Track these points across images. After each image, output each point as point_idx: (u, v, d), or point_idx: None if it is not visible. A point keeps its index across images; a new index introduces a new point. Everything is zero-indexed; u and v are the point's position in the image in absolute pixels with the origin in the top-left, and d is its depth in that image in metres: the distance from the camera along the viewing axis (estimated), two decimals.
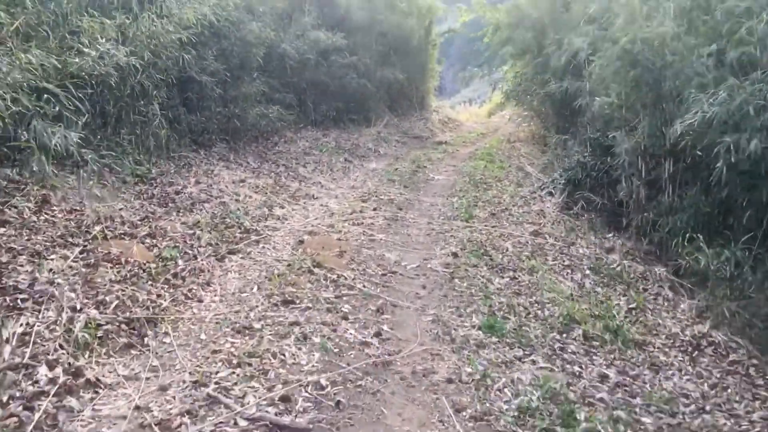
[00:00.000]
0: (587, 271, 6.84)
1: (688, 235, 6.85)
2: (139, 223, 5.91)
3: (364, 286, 5.51)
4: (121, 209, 6.15)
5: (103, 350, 3.90)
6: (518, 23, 14.41)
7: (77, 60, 6.63)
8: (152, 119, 7.99)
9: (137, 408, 3.33)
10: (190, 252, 5.67)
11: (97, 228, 5.39)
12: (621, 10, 7.55)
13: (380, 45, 18.55)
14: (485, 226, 8.14)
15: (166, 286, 4.89)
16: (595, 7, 10.44)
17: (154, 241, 5.62)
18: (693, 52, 6.63)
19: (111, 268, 4.78)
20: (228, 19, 11.05)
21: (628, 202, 8.21)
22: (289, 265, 5.85)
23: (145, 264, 5.07)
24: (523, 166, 12.91)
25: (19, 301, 3.98)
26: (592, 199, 9.18)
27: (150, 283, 4.86)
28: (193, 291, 4.96)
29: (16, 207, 5.20)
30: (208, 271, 5.44)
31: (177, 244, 5.69)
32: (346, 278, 5.63)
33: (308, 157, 12.11)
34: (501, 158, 14.25)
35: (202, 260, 5.56)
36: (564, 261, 7.07)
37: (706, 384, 4.82)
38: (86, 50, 6.80)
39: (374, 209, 8.64)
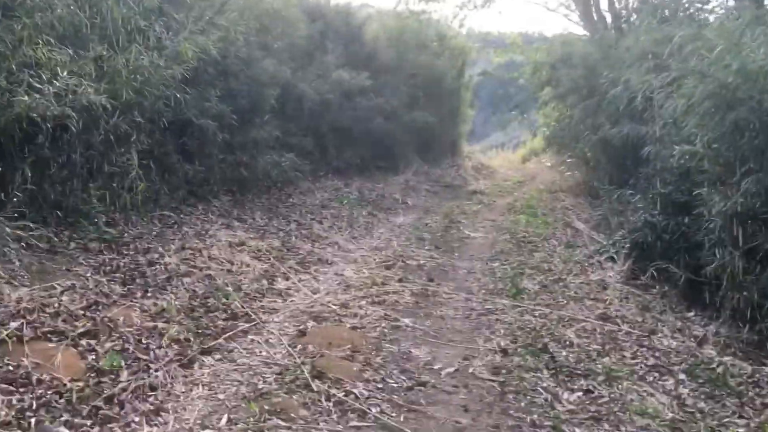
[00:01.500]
0: (681, 375, 5.13)
1: None
2: (80, 313, 4.39)
3: (381, 411, 3.90)
4: (63, 292, 4.67)
5: None
6: (564, 61, 12.95)
7: (26, 98, 5.27)
8: (129, 170, 6.59)
9: None
10: (143, 357, 4.13)
11: (14, 324, 3.90)
12: (714, 37, 5.97)
13: (409, 86, 17.24)
14: (538, 305, 6.50)
15: (90, 422, 3.34)
16: (660, 36, 8.91)
17: (94, 342, 4.09)
18: None
19: (7, 395, 3.27)
20: (237, 55, 9.79)
21: (719, 276, 6.51)
22: (280, 373, 4.28)
23: (67, 383, 3.54)
24: (572, 222, 11.25)
25: None
26: (665, 267, 7.51)
27: (66, 415, 3.32)
28: (132, 428, 3.40)
29: None
30: (164, 388, 3.89)
31: (126, 346, 4.16)
32: (357, 396, 4.04)
33: (326, 210, 10.63)
34: (544, 211, 12.63)
35: (157, 370, 4.01)
36: (647, 359, 5.37)
37: None
38: (41, 86, 5.46)
39: (399, 280, 7.07)
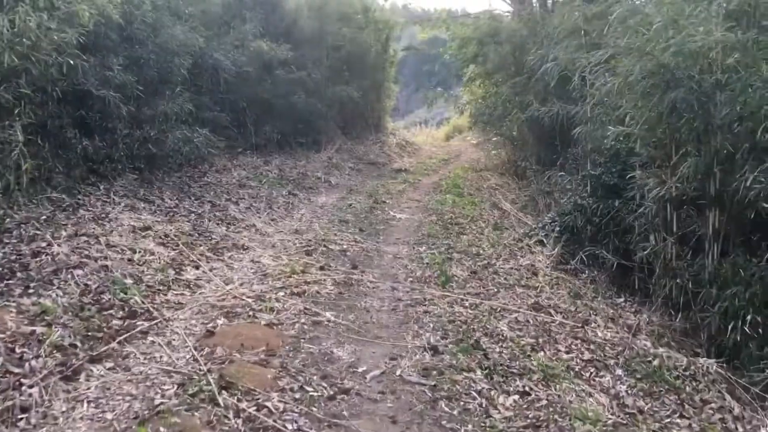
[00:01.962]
0: (618, 370, 4.87)
1: (749, 317, 5.05)
2: None
3: (298, 429, 3.42)
4: None
5: None
6: (491, 36, 12.62)
7: None
8: (13, 147, 5.78)
9: None
10: (15, 371, 3.48)
11: None
12: (654, 12, 5.66)
13: (332, 60, 16.63)
14: (468, 294, 6.14)
15: None
16: (591, 13, 8.66)
17: None
18: (762, 69, 4.82)
19: None
20: (143, 20, 8.96)
21: (651, 262, 6.34)
22: (182, 384, 3.72)
23: None
24: (499, 202, 11.03)
25: None
26: (596, 253, 7.32)
27: None
28: None
29: None
30: (39, 408, 3.27)
31: None
32: (270, 411, 3.53)
33: (243, 190, 9.97)
34: (470, 191, 12.36)
35: (32, 386, 3.38)
36: (583, 353, 5.10)
37: None
38: None
39: (321, 267, 6.56)
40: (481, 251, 7.89)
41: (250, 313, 5.05)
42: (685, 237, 5.96)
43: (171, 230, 6.93)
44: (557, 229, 7.74)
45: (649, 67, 5.41)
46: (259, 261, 6.71)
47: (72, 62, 6.80)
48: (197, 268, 6.15)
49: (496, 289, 6.42)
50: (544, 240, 7.93)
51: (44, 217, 6.00)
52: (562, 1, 10.46)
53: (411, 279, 6.54)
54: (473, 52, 14.37)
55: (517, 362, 4.65)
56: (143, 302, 4.94)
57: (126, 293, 4.98)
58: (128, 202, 7.62)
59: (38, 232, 5.58)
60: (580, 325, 5.59)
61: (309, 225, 8.79)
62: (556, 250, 7.56)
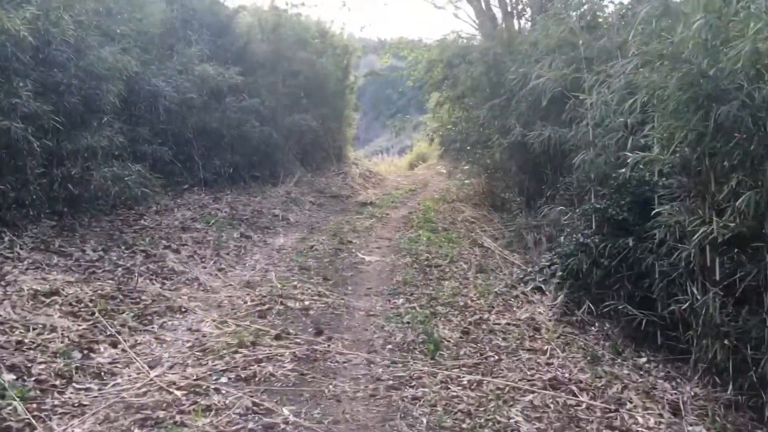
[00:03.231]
0: None
1: None
2: None
3: None
4: None
5: None
6: (461, 56, 11.54)
7: None
8: None
9: None
10: None
11: None
12: (691, 10, 4.52)
13: (289, 87, 15.35)
14: (464, 365, 4.87)
15: None
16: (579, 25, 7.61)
17: None
18: None
19: None
20: (64, 39, 7.62)
21: (686, 317, 5.15)
22: None
23: None
24: (479, 238, 9.82)
25: None
26: (609, 302, 6.12)
27: None
28: None
29: None
30: None
31: None
32: None
33: (187, 234, 8.57)
34: (444, 225, 11.16)
35: None
36: None
37: None
38: None
39: (277, 336, 5.22)
40: (470, 302, 6.65)
41: (177, 417, 3.68)
42: (729, 287, 4.80)
43: (87, 293, 5.51)
44: (558, 273, 6.54)
45: (688, 77, 4.28)
46: (199, 329, 5.34)
47: None
48: (115, 346, 4.75)
49: (496, 356, 5.16)
50: (543, 286, 6.72)
51: None
52: (541, 16, 9.38)
53: (390, 346, 5.24)
54: (441, 75, 13.30)
55: None
56: (25, 411, 3.53)
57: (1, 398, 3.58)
58: (38, 257, 6.19)
59: None
60: (612, 408, 4.34)
61: (264, 274, 7.45)
62: (559, 299, 6.35)
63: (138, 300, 5.82)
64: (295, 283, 7.06)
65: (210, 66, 11.66)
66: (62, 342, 4.52)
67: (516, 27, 14.54)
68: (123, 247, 7.26)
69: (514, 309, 6.42)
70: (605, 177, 6.47)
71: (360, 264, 8.37)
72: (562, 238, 7.05)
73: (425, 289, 7.10)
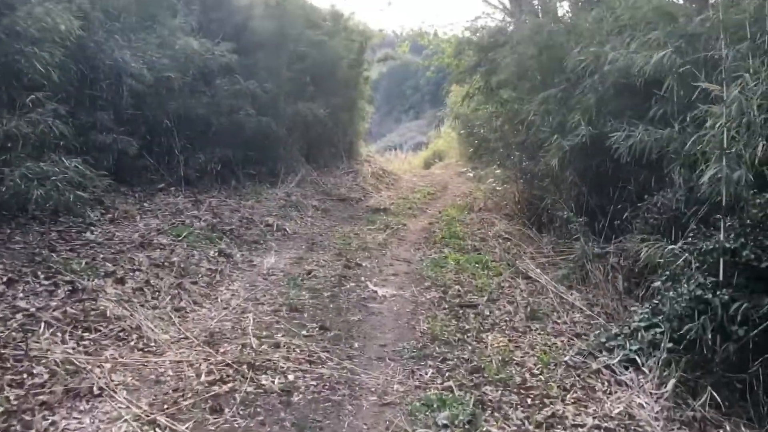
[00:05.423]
0: None
1: None
2: None
3: None
4: None
5: None
6: (502, 36, 9.39)
7: None
8: None
9: None
10: None
11: None
12: None
13: (294, 71, 13.15)
14: None
15: None
16: None
17: None
18: None
19: None
20: None
21: None
22: None
23: None
24: (523, 265, 7.69)
25: None
26: (743, 390, 4.03)
27: None
28: None
29: None
30: None
31: None
32: None
33: (144, 253, 6.49)
34: (475, 243, 9.07)
35: None
36: None
37: None
38: None
39: None
40: (529, 377, 4.55)
41: None
42: None
43: None
44: (664, 344, 4.41)
45: None
46: None
47: None
48: None
49: None
50: (638, 359, 4.59)
51: None
52: None
53: None
54: (473, 60, 11.16)
55: None
56: None
57: None
58: None
59: None
60: None
61: (238, 319, 5.39)
62: (669, 384, 4.23)
63: (28, 373, 3.76)
64: (280, 336, 5.00)
65: (195, 41, 9.58)
66: None
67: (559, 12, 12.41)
68: (42, 276, 5.19)
69: (599, 395, 4.31)
70: (739, 202, 4.34)
71: (371, 301, 6.28)
72: (659, 282, 4.92)
73: (462, 349, 5.02)
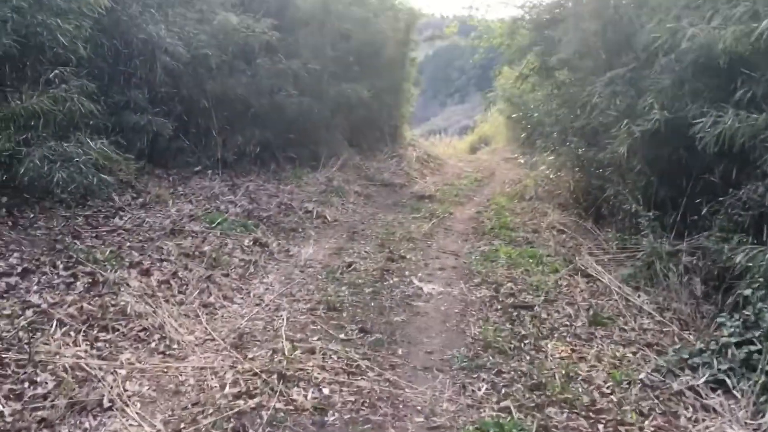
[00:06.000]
0: None
1: None
2: None
3: None
4: None
5: None
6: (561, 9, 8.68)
7: None
8: None
9: None
10: None
11: None
12: None
13: (338, 51, 12.64)
14: None
15: None
16: None
17: None
18: None
19: None
20: None
21: None
22: None
23: None
24: (582, 260, 7.04)
25: None
26: None
27: None
28: None
29: None
30: None
31: None
32: None
33: (174, 241, 6.07)
34: (527, 234, 8.45)
35: None
36: None
37: None
38: None
39: None
40: (599, 398, 3.95)
41: None
42: None
43: None
44: (762, 366, 3.76)
45: None
46: None
47: None
48: None
49: None
50: (728, 381, 3.94)
51: None
52: None
53: None
54: (528, 40, 10.46)
55: None
56: None
57: None
58: None
59: None
60: None
61: (271, 318, 4.91)
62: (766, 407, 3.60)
63: (27, 381, 3.33)
64: (315, 339, 4.50)
65: (234, 16, 9.11)
66: None
67: None
68: (61, 267, 4.79)
69: (683, 423, 3.70)
70: None
71: (416, 299, 5.74)
72: (750, 291, 4.26)
73: (519, 360, 4.45)
